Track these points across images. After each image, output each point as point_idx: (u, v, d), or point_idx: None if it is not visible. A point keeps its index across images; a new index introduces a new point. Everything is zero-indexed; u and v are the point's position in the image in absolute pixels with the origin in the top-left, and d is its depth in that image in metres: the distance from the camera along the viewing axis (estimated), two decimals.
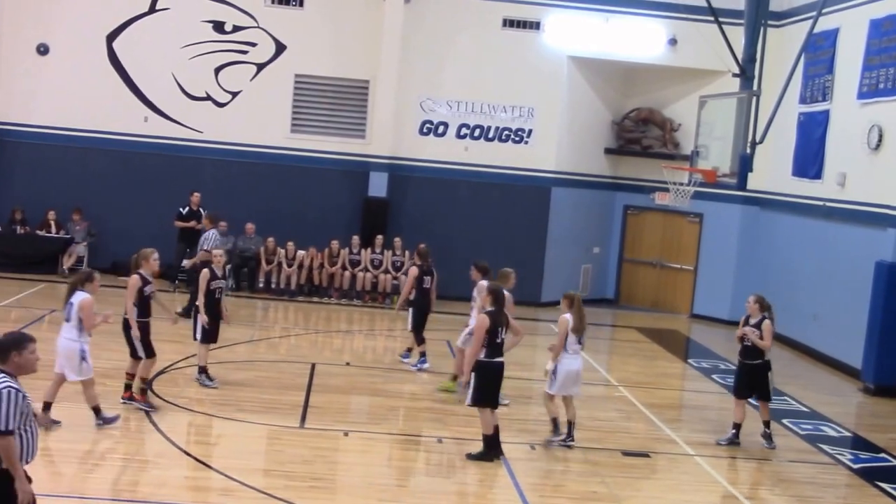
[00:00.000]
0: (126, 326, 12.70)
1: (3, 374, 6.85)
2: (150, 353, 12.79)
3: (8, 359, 6.88)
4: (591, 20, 23.56)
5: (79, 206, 22.81)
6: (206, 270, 14.16)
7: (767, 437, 13.66)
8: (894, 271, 17.36)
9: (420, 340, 16.32)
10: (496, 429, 12.11)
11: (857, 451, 13.96)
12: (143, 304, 12.69)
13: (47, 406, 11.63)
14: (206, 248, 18.36)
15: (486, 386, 11.99)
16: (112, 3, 23.13)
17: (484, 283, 13.62)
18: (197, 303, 14.28)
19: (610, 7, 23.51)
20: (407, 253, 22.73)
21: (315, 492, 10.65)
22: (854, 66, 19.32)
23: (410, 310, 16.28)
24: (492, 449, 12.10)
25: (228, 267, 22.53)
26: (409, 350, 16.72)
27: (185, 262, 19.76)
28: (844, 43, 19.92)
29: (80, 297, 11.61)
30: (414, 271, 16.31)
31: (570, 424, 12.92)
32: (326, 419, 13.35)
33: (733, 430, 13.61)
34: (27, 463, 7.00)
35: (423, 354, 16.39)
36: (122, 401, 12.73)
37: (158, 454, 11.45)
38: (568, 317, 12.63)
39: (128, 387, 12.81)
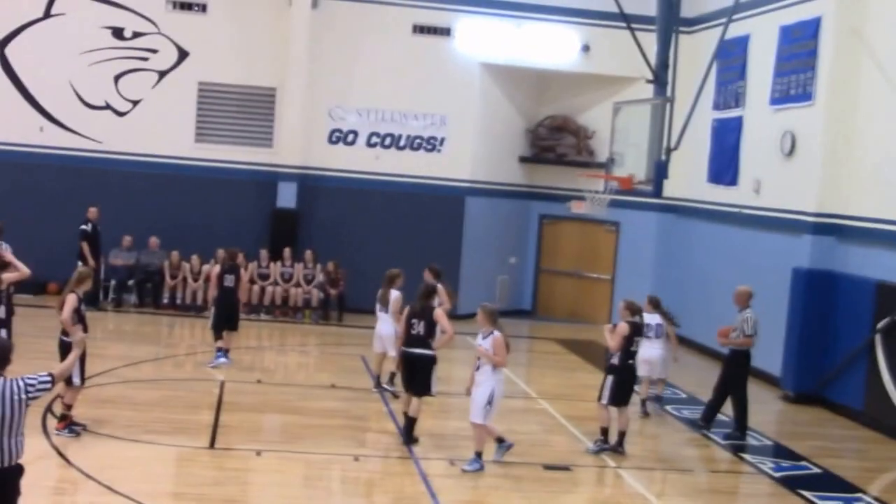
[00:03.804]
0: (65, 348, 12.12)
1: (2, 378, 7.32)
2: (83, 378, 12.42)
3: (8, 363, 7.44)
4: (502, 26, 23.30)
5: None
6: None
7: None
8: (811, 278, 17.34)
9: (217, 337, 16.87)
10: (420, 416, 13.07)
11: (779, 459, 13.92)
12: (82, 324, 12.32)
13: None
14: None
15: (402, 373, 13.38)
16: (3, 8, 22.22)
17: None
18: None
19: (521, 13, 23.27)
20: (319, 266, 22.20)
21: None
22: (765, 73, 19.38)
23: (213, 309, 17.06)
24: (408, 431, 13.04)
25: (131, 282, 21.93)
26: (220, 350, 16.89)
27: None
28: (755, 49, 19.97)
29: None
30: (216, 269, 17.34)
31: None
32: (238, 439, 12.92)
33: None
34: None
35: (220, 350, 16.84)
36: (56, 432, 12.13)
37: (61, 479, 10.95)
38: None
39: (64, 417, 12.25)
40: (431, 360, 13.09)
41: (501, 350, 12.02)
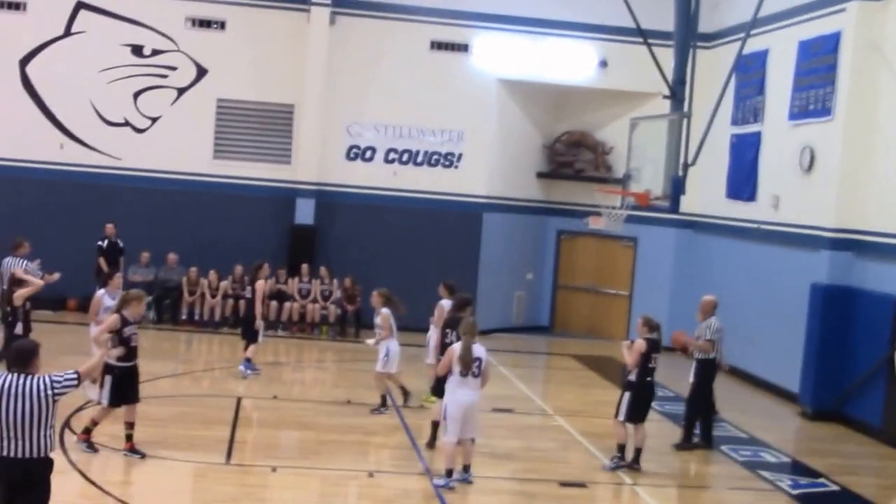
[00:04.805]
0: (105, 369, 12.00)
1: (30, 375, 7.86)
2: (116, 401, 12.11)
3: (32, 363, 7.93)
4: (520, 42, 23.31)
5: None
6: None
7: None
8: (829, 294, 17.22)
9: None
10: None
11: (797, 476, 13.80)
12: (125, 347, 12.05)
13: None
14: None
15: (437, 380, 13.28)
16: (25, 26, 22.36)
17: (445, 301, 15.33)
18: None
19: (539, 29, 23.27)
20: (335, 282, 22.20)
21: None
22: (784, 88, 19.29)
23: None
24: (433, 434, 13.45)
25: (150, 298, 21.95)
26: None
27: None
28: (774, 64, 19.90)
29: None
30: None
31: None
32: (253, 454, 12.96)
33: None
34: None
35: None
36: (77, 442, 12.15)
37: (80, 495, 10.87)
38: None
39: (129, 437, 12.22)
40: None
41: (443, 359, 12.09)
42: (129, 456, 12.10)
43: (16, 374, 7.83)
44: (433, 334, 15.80)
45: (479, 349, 11.93)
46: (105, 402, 12.09)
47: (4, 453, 7.79)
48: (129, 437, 12.23)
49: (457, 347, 11.88)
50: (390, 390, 15.63)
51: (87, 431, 12.24)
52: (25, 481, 7.81)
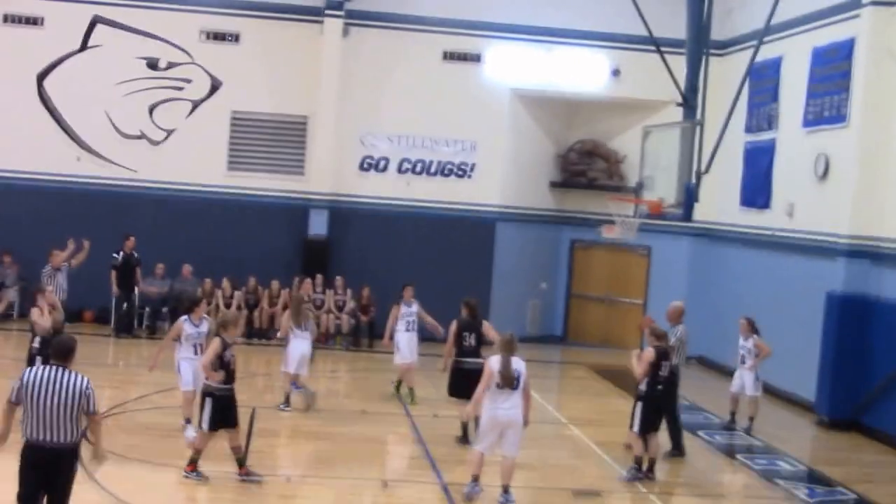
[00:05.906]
0: (204, 393, 11.90)
1: (68, 370, 8.36)
2: (214, 425, 11.82)
3: (70, 358, 8.41)
4: (532, 52, 23.33)
5: (9, 249, 22.00)
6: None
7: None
8: (846, 302, 17.12)
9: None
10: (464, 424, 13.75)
11: (813, 485, 13.72)
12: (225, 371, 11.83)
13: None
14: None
15: (456, 382, 13.83)
16: (42, 41, 22.53)
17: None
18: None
19: (551, 39, 23.28)
20: (349, 292, 22.21)
21: None
22: (798, 95, 19.24)
23: None
24: (464, 436, 13.78)
25: (165, 310, 22.02)
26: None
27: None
28: (788, 71, 19.86)
29: None
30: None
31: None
32: (267, 464, 12.87)
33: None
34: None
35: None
36: (184, 474, 11.87)
37: None
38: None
39: (241, 462, 11.99)
40: None
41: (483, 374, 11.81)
42: (246, 480, 11.79)
43: (54, 367, 8.29)
44: (403, 337, 16.58)
45: (518, 363, 11.51)
46: (205, 426, 11.79)
47: (35, 438, 8.23)
48: (240, 463, 11.91)
49: (494, 361, 11.50)
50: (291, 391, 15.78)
51: (193, 462, 11.89)
52: (54, 467, 8.27)
